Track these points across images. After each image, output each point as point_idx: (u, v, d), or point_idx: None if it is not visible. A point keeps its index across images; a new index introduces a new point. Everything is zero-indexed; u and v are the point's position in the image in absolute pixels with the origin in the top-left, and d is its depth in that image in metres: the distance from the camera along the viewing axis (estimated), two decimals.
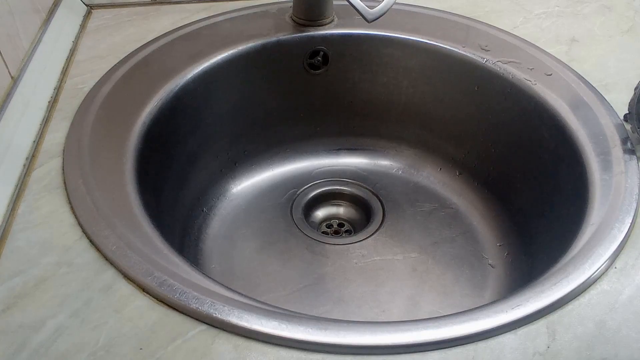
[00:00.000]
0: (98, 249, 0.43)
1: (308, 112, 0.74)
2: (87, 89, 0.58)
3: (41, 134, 0.53)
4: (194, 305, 0.39)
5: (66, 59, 0.63)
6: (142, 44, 0.65)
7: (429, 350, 0.38)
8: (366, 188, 0.73)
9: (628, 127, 0.55)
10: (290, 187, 0.73)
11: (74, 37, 0.67)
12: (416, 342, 0.38)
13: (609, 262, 0.44)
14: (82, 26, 0.69)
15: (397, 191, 0.72)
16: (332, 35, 0.68)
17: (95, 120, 0.54)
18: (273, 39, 0.66)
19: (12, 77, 0.55)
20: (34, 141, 0.52)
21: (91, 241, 0.44)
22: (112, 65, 0.62)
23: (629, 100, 0.55)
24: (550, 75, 0.62)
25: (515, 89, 0.62)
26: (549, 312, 0.40)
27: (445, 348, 0.38)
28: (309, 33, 0.67)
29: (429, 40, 0.67)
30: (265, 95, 0.70)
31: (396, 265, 0.64)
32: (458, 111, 0.69)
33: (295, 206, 0.71)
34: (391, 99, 0.72)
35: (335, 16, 0.69)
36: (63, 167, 0.50)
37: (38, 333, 0.38)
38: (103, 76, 0.60)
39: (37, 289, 0.40)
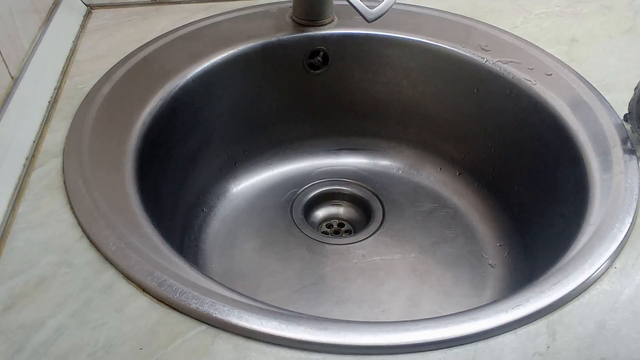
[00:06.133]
0: (98, 249, 0.43)
1: (308, 112, 0.74)
2: (87, 89, 0.58)
3: (41, 134, 0.53)
4: (194, 305, 0.39)
5: (66, 59, 0.63)
6: (142, 44, 0.65)
7: (429, 350, 0.38)
8: (366, 188, 0.73)
9: (628, 127, 0.55)
10: (290, 187, 0.73)
11: (74, 37, 0.67)
12: (416, 342, 0.38)
13: (609, 262, 0.44)
14: (82, 26, 0.69)
15: (397, 191, 0.72)
16: (332, 35, 0.68)
17: (95, 120, 0.54)
18: (273, 39, 0.66)
19: (12, 77, 0.55)
20: (34, 141, 0.52)
21: (91, 241, 0.44)
22: (112, 65, 0.62)
23: (629, 100, 0.55)
24: (550, 75, 0.62)
25: (515, 89, 0.62)
26: (549, 312, 0.40)
27: (445, 348, 0.38)
28: (309, 33, 0.67)
29: (429, 40, 0.67)
30: (265, 95, 0.70)
31: (396, 265, 0.64)
32: (458, 111, 0.69)
33: (295, 206, 0.71)
34: (391, 99, 0.72)
35: (335, 16, 0.69)
36: (63, 167, 0.50)
37: (38, 333, 0.38)
38: (103, 76, 0.60)
39: (37, 289, 0.40)
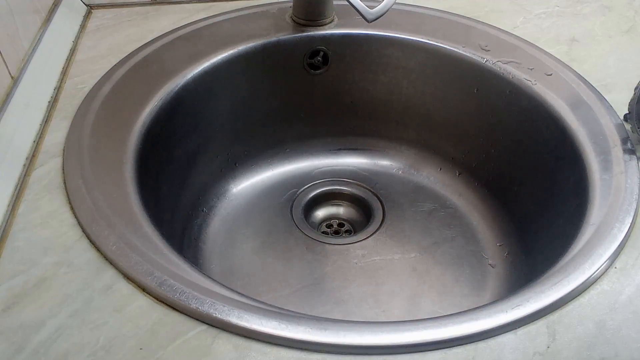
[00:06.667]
0: (98, 249, 0.43)
1: (308, 112, 0.74)
2: (87, 89, 0.58)
3: (41, 134, 0.53)
4: (194, 305, 0.39)
5: (66, 59, 0.63)
6: (142, 44, 0.65)
7: (429, 350, 0.38)
8: (366, 188, 0.73)
9: (628, 127, 0.55)
10: (290, 187, 0.73)
11: (74, 37, 0.67)
12: (416, 342, 0.38)
13: (609, 262, 0.44)
14: (82, 26, 0.69)
15: (397, 191, 0.72)
16: (332, 35, 0.68)
17: (95, 120, 0.54)
18: (273, 39, 0.66)
19: (12, 77, 0.55)
20: (34, 141, 0.52)
21: (91, 241, 0.44)
22: (112, 65, 0.62)
23: (629, 100, 0.55)
24: (550, 75, 0.62)
25: (515, 89, 0.62)
26: (549, 312, 0.40)
27: (445, 348, 0.38)
28: (309, 33, 0.67)
29: (429, 40, 0.67)
30: (265, 95, 0.70)
31: (396, 265, 0.64)
32: (458, 111, 0.69)
33: (295, 206, 0.71)
34: (391, 99, 0.72)
35: (335, 16, 0.69)
36: (63, 167, 0.50)
37: (38, 333, 0.38)
38: (103, 76, 0.60)
39: (37, 289, 0.40)
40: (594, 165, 0.52)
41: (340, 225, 0.71)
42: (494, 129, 0.67)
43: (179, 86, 0.60)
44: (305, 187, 0.73)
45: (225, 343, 0.38)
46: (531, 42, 0.67)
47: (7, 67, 0.54)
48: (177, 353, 0.37)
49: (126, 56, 0.63)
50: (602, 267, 0.43)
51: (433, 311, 0.59)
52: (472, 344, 0.38)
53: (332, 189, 0.74)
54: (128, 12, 0.71)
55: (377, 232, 0.68)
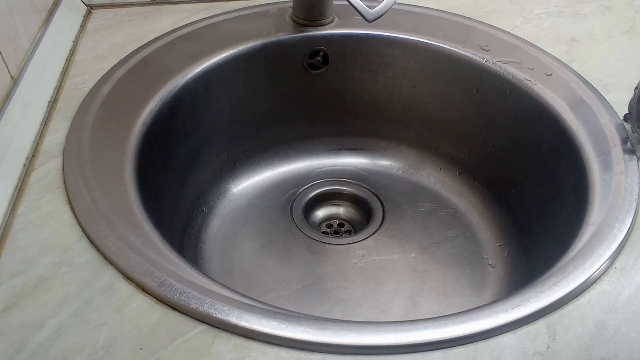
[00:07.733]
0: (98, 249, 0.43)
1: (308, 112, 0.74)
2: (87, 89, 0.58)
3: (41, 134, 0.53)
4: (194, 305, 0.39)
5: (66, 59, 0.63)
6: (142, 44, 0.65)
7: (429, 350, 0.38)
8: (366, 188, 0.73)
9: (628, 127, 0.55)
10: (290, 187, 0.73)
11: (74, 37, 0.67)
12: (416, 342, 0.38)
13: (609, 262, 0.44)
14: (82, 26, 0.69)
15: (397, 191, 0.72)
16: (332, 35, 0.68)
17: (95, 120, 0.54)
18: (273, 39, 0.66)
19: (12, 77, 0.55)
20: (34, 141, 0.52)
21: (91, 241, 0.44)
22: (112, 65, 0.62)
23: (629, 100, 0.55)
24: (550, 75, 0.62)
25: (515, 89, 0.62)
26: (549, 312, 0.40)
27: (445, 348, 0.38)
28: (309, 33, 0.67)
29: (429, 40, 0.67)
30: (265, 95, 0.70)
31: (396, 265, 0.64)
32: (458, 111, 0.69)
33: (295, 206, 0.71)
34: (391, 99, 0.72)
35: (335, 16, 0.69)
36: (63, 167, 0.50)
37: (38, 333, 0.38)
38: (103, 76, 0.60)
39: (37, 289, 0.40)
40: (594, 165, 0.52)
41: (340, 225, 0.71)
42: (494, 129, 0.67)
43: (178, 86, 0.60)
44: (305, 187, 0.73)
45: (225, 343, 0.38)
46: (531, 42, 0.67)
47: (7, 67, 0.54)
48: (177, 353, 0.37)
49: (126, 56, 0.63)
50: (602, 267, 0.43)
51: (433, 311, 0.59)
52: (472, 344, 0.38)
53: (332, 189, 0.74)
54: (128, 12, 0.71)
55: (377, 232, 0.68)
